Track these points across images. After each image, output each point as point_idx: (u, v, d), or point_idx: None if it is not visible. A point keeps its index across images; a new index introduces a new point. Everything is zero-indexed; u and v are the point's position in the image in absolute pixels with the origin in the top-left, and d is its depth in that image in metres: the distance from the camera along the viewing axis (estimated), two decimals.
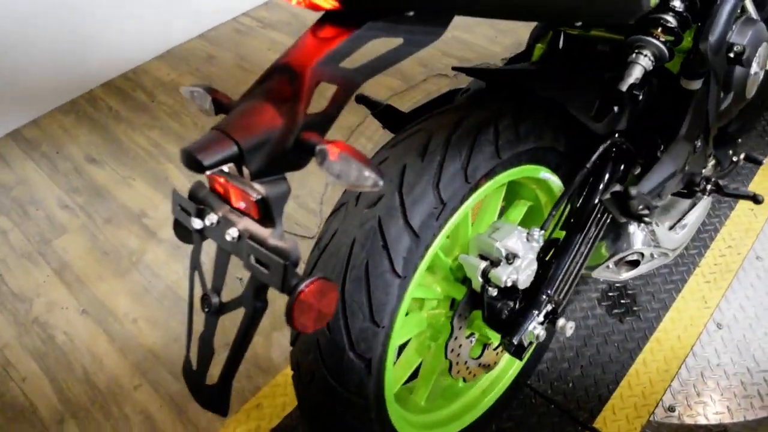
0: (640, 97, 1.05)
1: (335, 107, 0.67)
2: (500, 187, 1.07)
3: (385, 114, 1.13)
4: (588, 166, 0.95)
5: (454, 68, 0.98)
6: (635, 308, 1.47)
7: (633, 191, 0.86)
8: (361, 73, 0.69)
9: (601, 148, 0.96)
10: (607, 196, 0.87)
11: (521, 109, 0.94)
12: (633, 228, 1.18)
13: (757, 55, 1.24)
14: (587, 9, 0.82)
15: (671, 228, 1.24)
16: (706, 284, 1.52)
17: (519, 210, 1.14)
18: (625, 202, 0.87)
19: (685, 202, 1.31)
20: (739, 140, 1.42)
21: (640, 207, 0.91)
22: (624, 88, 1.04)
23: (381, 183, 0.57)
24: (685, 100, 1.10)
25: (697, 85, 1.09)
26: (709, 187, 1.16)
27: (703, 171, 1.27)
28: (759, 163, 1.34)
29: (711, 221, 1.67)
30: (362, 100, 1.14)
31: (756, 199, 1.14)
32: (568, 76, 1.06)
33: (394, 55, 0.71)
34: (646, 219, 0.93)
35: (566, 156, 1.03)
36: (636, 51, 1.07)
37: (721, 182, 1.16)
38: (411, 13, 0.69)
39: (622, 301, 1.48)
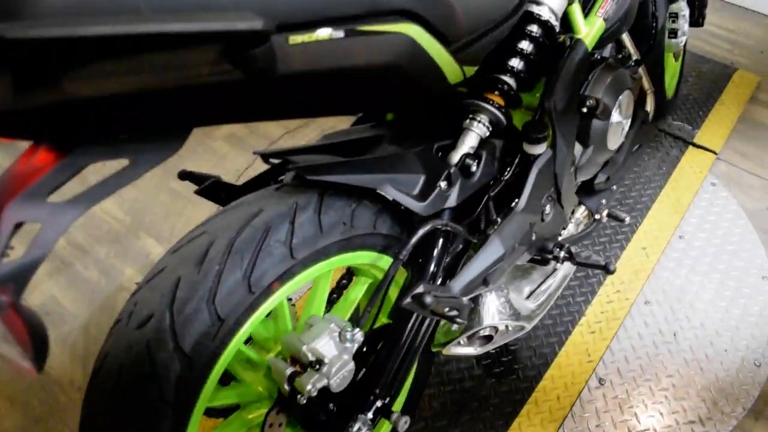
0: (474, 169, 0.97)
1: (37, 252, 0.57)
2: (327, 272, 0.98)
3: (213, 189, 1.02)
4: (401, 256, 0.87)
5: (255, 153, 0.89)
6: (516, 366, 1.40)
7: (428, 298, 0.77)
8: (76, 206, 0.59)
9: (418, 234, 0.88)
10: (407, 300, 0.79)
11: (325, 198, 0.85)
12: (485, 299, 1.10)
13: (617, 105, 1.17)
14: (372, 99, 0.74)
15: (529, 296, 1.17)
16: (591, 335, 1.46)
17: (359, 288, 1.05)
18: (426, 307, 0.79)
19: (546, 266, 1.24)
20: (611, 189, 1.35)
21: (446, 310, 0.83)
22: (454, 160, 0.97)
23: (35, 373, 0.48)
24: (528, 165, 1.02)
25: (540, 149, 1.01)
26: (562, 254, 1.09)
27: (562, 234, 1.20)
28: (622, 221, 1.27)
29: (606, 254, 1.62)
30: (186, 175, 1.04)
31: (607, 269, 1.07)
32: (390, 146, 0.97)
33: (121, 180, 0.62)
34: (458, 320, 0.84)
35: (394, 237, 0.95)
36: (470, 116, 0.99)
37: (573, 249, 1.09)
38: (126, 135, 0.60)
39: (503, 359, 1.41)
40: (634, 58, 1.45)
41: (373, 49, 0.63)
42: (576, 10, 1.06)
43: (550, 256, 1.09)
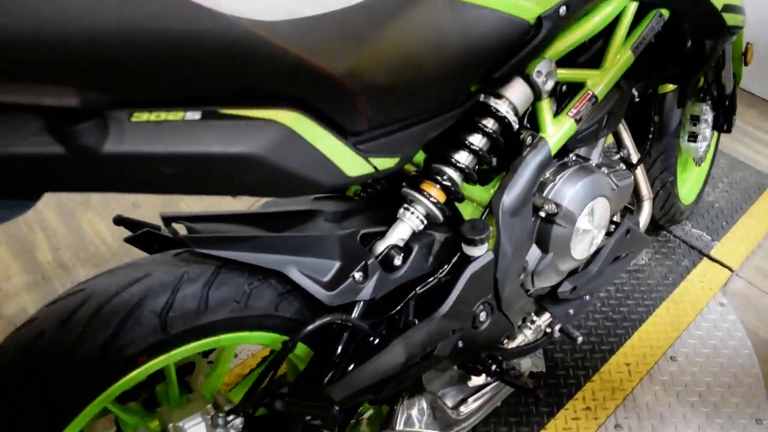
0: (398, 263, 0.91)
1: None
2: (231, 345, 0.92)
3: (146, 239, 1.00)
4: (290, 345, 0.80)
5: (161, 214, 0.85)
6: None
7: (278, 403, 0.70)
8: None
9: (307, 328, 0.82)
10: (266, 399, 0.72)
11: (221, 272, 0.81)
12: (404, 399, 1.01)
13: (585, 212, 1.08)
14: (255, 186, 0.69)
15: (460, 403, 1.07)
16: None
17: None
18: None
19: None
20: (584, 298, 1.25)
21: (308, 418, 0.76)
22: (377, 250, 0.91)
23: None
24: (463, 267, 0.94)
25: (479, 251, 0.94)
26: (493, 367, 0.99)
27: (506, 342, 1.10)
28: (573, 339, 1.16)
29: (576, 373, 1.49)
30: (121, 221, 1.02)
31: (536, 395, 0.97)
32: (318, 224, 0.91)
33: None
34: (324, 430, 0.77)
35: (299, 322, 0.88)
36: (404, 206, 0.93)
37: (505, 365, 0.99)
38: None
39: None
40: (634, 159, 1.36)
41: (234, 135, 0.59)
42: (544, 106, 1.00)
43: (479, 368, 0.99)
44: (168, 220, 0.83)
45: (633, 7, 1.07)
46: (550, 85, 0.97)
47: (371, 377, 0.83)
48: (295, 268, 0.84)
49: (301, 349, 0.94)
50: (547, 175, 1.06)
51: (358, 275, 0.88)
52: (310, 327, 0.83)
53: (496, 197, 0.96)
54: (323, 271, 0.87)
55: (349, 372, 0.83)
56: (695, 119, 1.63)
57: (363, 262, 0.88)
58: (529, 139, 0.98)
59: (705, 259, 1.83)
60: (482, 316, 0.99)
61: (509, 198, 0.96)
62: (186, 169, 0.58)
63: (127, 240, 0.99)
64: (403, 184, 0.95)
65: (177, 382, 0.96)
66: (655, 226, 1.86)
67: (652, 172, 1.60)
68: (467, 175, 0.93)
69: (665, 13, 1.12)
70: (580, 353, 1.55)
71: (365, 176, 0.77)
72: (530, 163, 0.98)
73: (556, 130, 1.01)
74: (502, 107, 0.94)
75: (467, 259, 0.95)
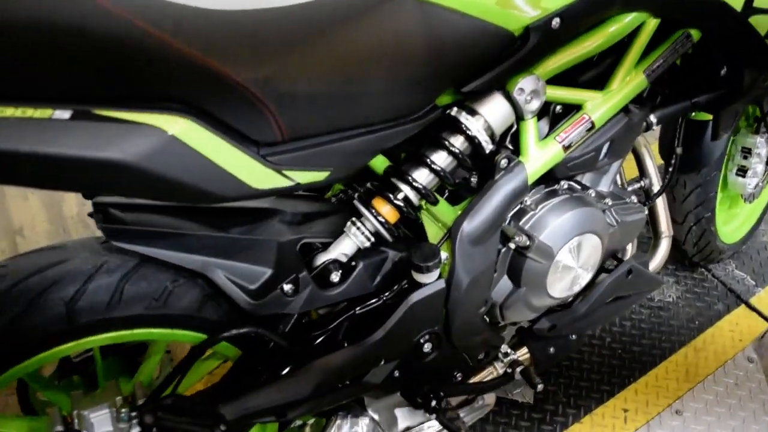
0: (335, 279, 0.86)
1: None
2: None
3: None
4: (198, 352, 0.77)
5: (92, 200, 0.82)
6: None
7: (147, 417, 0.67)
8: None
9: (221, 335, 0.78)
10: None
11: (142, 266, 0.78)
12: (344, 426, 0.96)
13: (567, 249, 0.98)
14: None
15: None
16: None
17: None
18: None
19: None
20: (569, 338, 1.14)
21: None
22: (315, 263, 0.86)
23: None
24: (408, 293, 0.88)
25: (427, 278, 0.87)
26: (432, 403, 0.92)
27: (459, 376, 1.02)
28: (533, 387, 1.06)
29: (566, 410, 1.38)
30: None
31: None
32: (262, 226, 0.87)
33: None
34: None
35: (224, 324, 0.85)
36: (352, 219, 0.88)
37: (446, 403, 0.92)
38: None
39: None
40: (655, 190, 1.22)
41: (101, 140, 0.55)
42: (528, 127, 0.90)
43: (419, 401, 0.93)
44: (101, 205, 0.82)
45: (652, 25, 0.94)
46: (535, 105, 0.87)
47: (273, 399, 0.79)
48: (221, 271, 0.81)
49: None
50: (529, 202, 0.96)
51: (287, 287, 0.83)
52: (224, 335, 0.81)
53: (456, 222, 0.88)
54: (252, 278, 0.83)
55: (250, 390, 0.79)
56: (746, 152, 1.45)
57: (295, 275, 0.83)
58: (504, 162, 0.89)
59: (742, 306, 1.64)
60: (427, 347, 0.92)
61: (471, 225, 0.88)
62: (51, 170, 0.55)
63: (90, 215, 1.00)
64: (355, 195, 0.89)
65: (113, 368, 0.97)
66: (690, 263, 1.69)
67: (685, 206, 1.45)
68: (425, 196, 0.86)
69: (695, 34, 0.98)
70: (575, 389, 1.44)
71: (283, 189, 0.72)
72: (501, 189, 0.89)
73: (539, 156, 0.91)
74: (473, 125, 0.85)
75: (415, 285, 0.88)
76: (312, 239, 0.87)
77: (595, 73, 0.96)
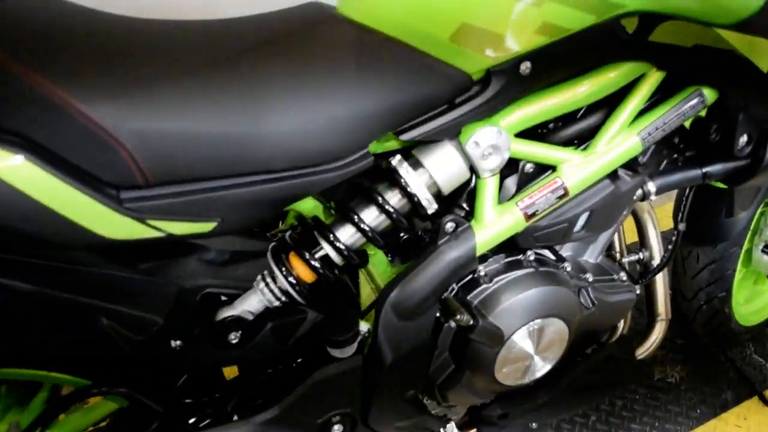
0: (233, 340, 0.73)
1: None
2: None
3: None
4: (51, 409, 0.66)
5: None
6: None
7: None
8: None
9: (93, 390, 0.67)
10: None
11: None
12: None
13: (523, 334, 0.83)
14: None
15: None
16: None
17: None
18: None
19: None
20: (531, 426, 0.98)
21: None
22: (220, 316, 0.73)
23: None
24: (314, 366, 0.74)
25: (341, 353, 0.74)
26: None
27: None
28: None
29: None
30: None
31: None
32: (166, 266, 0.74)
33: None
34: None
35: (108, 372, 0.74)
36: (263, 274, 0.75)
37: None
38: None
39: None
40: (655, 264, 1.05)
41: None
42: (486, 188, 0.75)
43: None
44: None
45: (655, 78, 0.77)
46: (494, 162, 0.72)
47: None
48: (104, 318, 0.69)
49: None
50: (483, 272, 0.81)
51: (176, 343, 0.71)
52: (94, 390, 0.69)
53: (383, 292, 0.74)
54: (140, 328, 0.71)
55: None
56: None
57: (187, 329, 0.71)
58: (449, 226, 0.75)
59: (755, 398, 1.43)
60: (337, 428, 0.78)
61: (400, 296, 0.73)
62: None
63: None
64: (270, 247, 0.76)
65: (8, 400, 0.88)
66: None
67: (696, 282, 1.26)
68: (347, 258, 0.72)
69: (710, 94, 0.81)
70: None
71: (147, 239, 0.59)
72: (442, 257, 0.74)
73: (494, 222, 0.76)
74: (414, 181, 0.71)
75: (329, 358, 0.75)
76: (218, 289, 0.75)
77: (578, 128, 0.80)
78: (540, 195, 0.76)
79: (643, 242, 1.06)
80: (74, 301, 0.67)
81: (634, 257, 1.05)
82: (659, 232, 1.06)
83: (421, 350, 0.78)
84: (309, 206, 0.78)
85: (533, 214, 0.77)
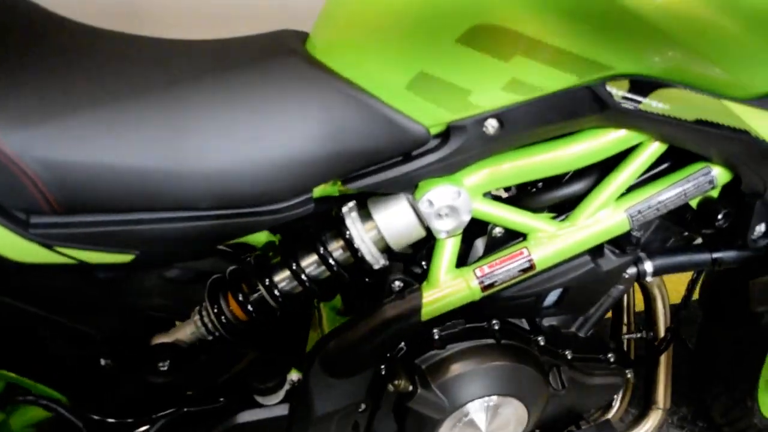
0: (162, 367, 0.71)
1: None
2: None
3: None
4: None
5: None
6: None
7: None
8: None
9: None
10: None
11: None
12: None
13: (473, 409, 0.77)
14: None
15: None
16: None
17: None
18: None
19: None
20: None
21: None
22: (155, 341, 0.73)
23: None
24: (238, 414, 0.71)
25: (268, 400, 0.70)
26: None
27: None
28: None
29: None
30: None
31: None
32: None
33: None
34: None
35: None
36: (199, 307, 0.73)
37: None
38: None
39: None
40: (661, 338, 0.94)
41: None
42: (442, 249, 0.69)
43: None
44: None
45: (654, 150, 0.68)
46: (450, 224, 0.66)
47: None
48: (43, 325, 0.69)
49: None
50: (437, 335, 0.75)
51: (105, 361, 0.71)
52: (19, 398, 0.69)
53: (316, 345, 0.70)
54: (77, 340, 0.71)
55: None
56: None
57: (118, 349, 0.70)
58: (397, 284, 0.69)
59: None
60: None
61: (333, 353, 0.69)
62: None
63: None
64: (212, 277, 0.73)
65: None
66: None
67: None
68: (280, 305, 0.69)
69: (722, 173, 0.70)
70: None
71: (66, 265, 0.58)
72: (383, 317, 0.69)
73: (447, 286, 0.69)
74: (358, 234, 0.66)
75: (253, 402, 0.71)
76: (157, 312, 0.74)
77: (559, 194, 0.72)
78: (501, 266, 0.69)
79: (649, 320, 0.96)
80: (12, 305, 0.68)
81: (636, 335, 0.95)
82: (668, 309, 0.95)
83: (354, 409, 0.73)
84: (261, 239, 0.75)
85: (491, 285, 0.70)
